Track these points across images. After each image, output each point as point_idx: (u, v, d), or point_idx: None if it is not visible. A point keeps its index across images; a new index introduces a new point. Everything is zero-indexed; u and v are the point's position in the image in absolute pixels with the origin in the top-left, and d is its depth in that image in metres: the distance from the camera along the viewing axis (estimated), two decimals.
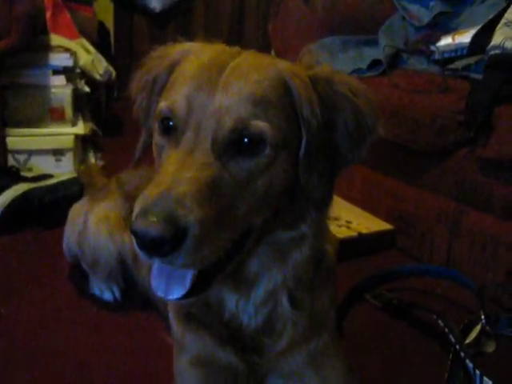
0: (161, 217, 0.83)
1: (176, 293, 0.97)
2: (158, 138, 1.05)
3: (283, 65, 1.06)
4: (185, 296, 0.97)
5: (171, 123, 1.00)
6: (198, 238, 0.86)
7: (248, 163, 0.96)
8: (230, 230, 0.94)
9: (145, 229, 0.84)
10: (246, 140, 0.96)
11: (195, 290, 0.98)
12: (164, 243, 0.84)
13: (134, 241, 0.88)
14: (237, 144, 0.96)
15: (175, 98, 1.00)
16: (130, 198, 1.86)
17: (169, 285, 0.97)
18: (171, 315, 1.31)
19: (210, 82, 0.98)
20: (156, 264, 0.98)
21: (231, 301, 1.15)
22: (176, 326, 1.29)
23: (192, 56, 1.07)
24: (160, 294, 0.98)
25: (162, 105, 1.02)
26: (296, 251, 1.13)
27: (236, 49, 1.10)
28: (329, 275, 1.27)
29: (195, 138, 0.95)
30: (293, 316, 1.18)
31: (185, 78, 1.02)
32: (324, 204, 1.11)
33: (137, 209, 0.88)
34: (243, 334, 1.19)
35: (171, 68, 1.11)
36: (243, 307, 1.15)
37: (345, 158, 1.08)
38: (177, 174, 0.89)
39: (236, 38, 5.94)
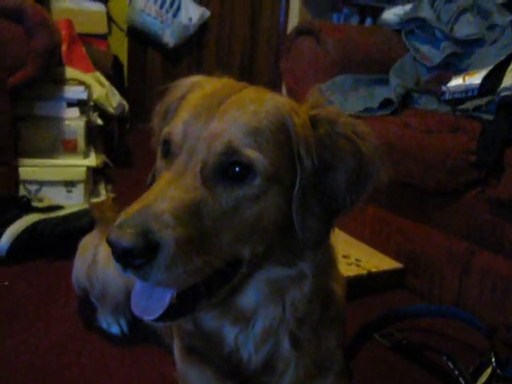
0: (134, 229, 0.85)
1: (153, 313, 0.97)
2: (158, 162, 1.09)
3: (284, 101, 1.06)
4: (161, 317, 0.97)
5: (170, 148, 1.03)
6: (171, 256, 0.87)
7: (236, 191, 0.96)
8: (212, 257, 0.94)
9: (117, 239, 0.85)
10: (236, 169, 0.96)
11: (173, 312, 0.98)
12: (135, 255, 0.85)
13: (111, 253, 0.89)
14: (227, 171, 0.97)
15: (175, 125, 1.03)
16: None
17: (148, 304, 0.98)
18: (175, 349, 1.31)
19: (208, 111, 1.00)
20: (138, 283, 0.99)
21: (230, 334, 1.14)
22: (179, 360, 1.28)
23: (199, 87, 1.11)
24: (138, 312, 0.99)
25: (164, 130, 1.06)
26: (294, 290, 1.11)
27: (242, 83, 1.12)
28: (336, 315, 1.25)
29: (187, 161, 0.97)
30: (294, 357, 1.16)
31: (187, 107, 1.05)
32: (317, 246, 1.08)
33: (117, 221, 0.89)
34: (244, 371, 1.17)
35: (181, 98, 1.14)
36: (242, 342, 1.14)
37: (342, 203, 1.05)
38: (160, 193, 0.91)
39: (247, 73, 6.02)
